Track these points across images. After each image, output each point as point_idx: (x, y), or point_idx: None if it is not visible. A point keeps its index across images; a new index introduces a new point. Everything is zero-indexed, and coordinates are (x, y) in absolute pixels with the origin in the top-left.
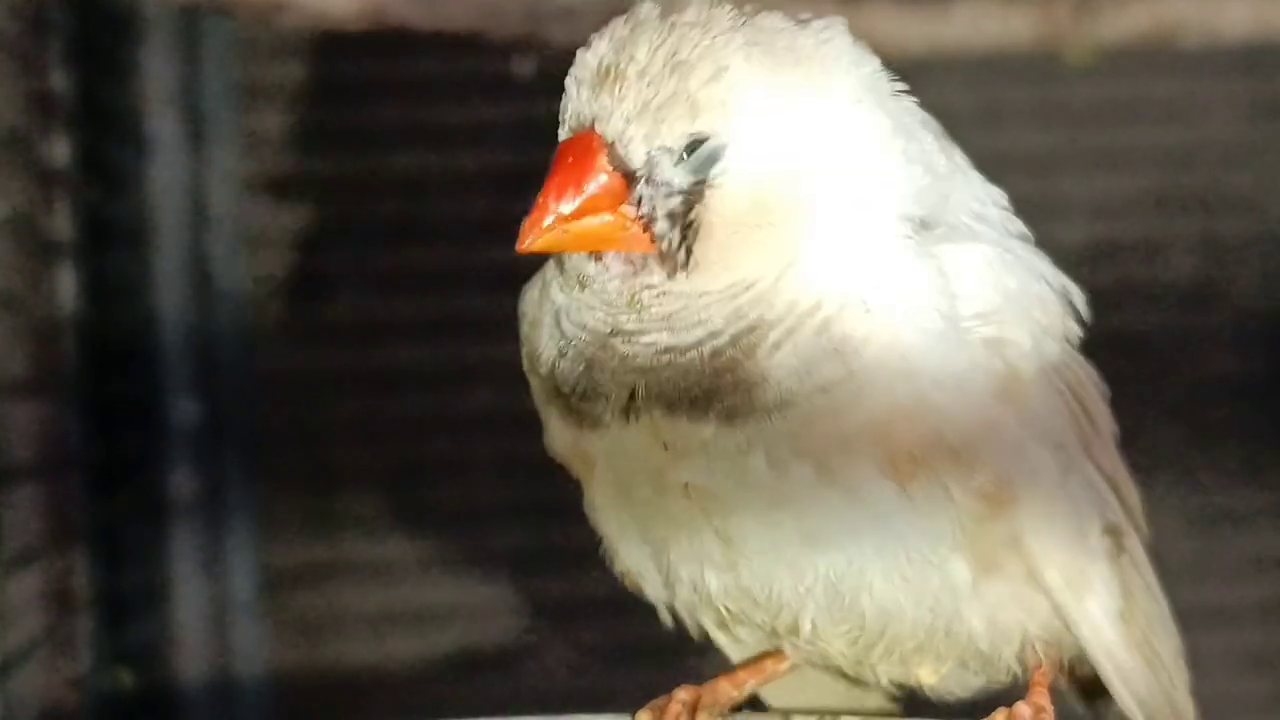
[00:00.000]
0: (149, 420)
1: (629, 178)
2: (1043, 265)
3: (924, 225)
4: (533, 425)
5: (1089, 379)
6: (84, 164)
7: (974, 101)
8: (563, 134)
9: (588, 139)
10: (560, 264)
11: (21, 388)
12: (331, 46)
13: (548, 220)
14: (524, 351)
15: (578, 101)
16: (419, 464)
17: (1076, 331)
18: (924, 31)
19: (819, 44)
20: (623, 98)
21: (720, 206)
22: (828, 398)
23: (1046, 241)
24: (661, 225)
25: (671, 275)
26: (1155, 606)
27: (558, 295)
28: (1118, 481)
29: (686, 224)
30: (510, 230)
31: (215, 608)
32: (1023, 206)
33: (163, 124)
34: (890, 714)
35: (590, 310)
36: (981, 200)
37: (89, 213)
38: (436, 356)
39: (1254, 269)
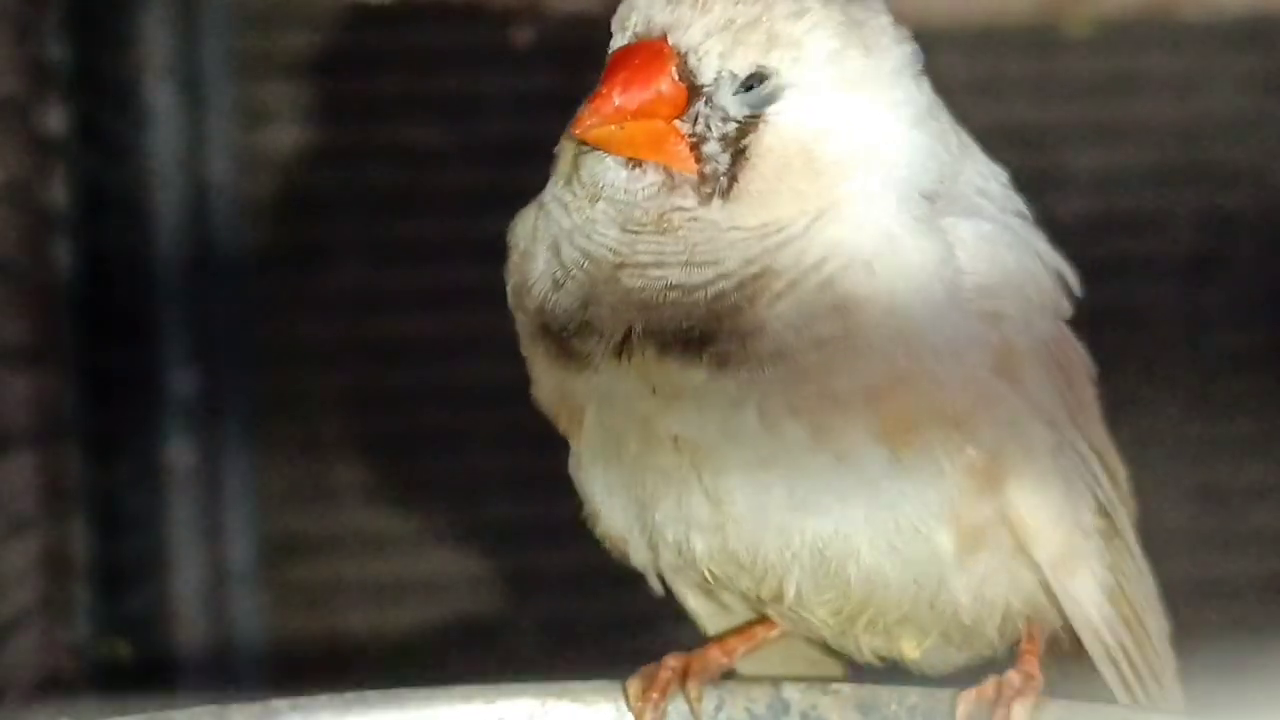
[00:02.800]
0: (147, 389)
1: (691, 93)
2: (1038, 243)
3: (932, 198)
4: (529, 396)
5: (1077, 355)
6: (81, 133)
7: (973, 73)
8: (621, 40)
9: (659, 45)
10: (575, 175)
11: (18, 356)
12: (330, 16)
13: (608, 110)
14: (510, 284)
15: (649, 8)
16: (416, 434)
17: (1068, 309)
18: (923, 2)
19: (869, 14)
20: (708, 10)
21: (774, 143)
22: (822, 354)
23: (1046, 214)
24: (712, 147)
25: (705, 202)
26: (1144, 586)
27: (560, 215)
28: (1105, 456)
29: (738, 151)
30: (509, 201)
31: (213, 577)
32: (1022, 179)
33: (161, 93)
34: (879, 684)
35: (600, 236)
36: (985, 176)
37: (86, 182)
38: (434, 327)
39: (1255, 242)
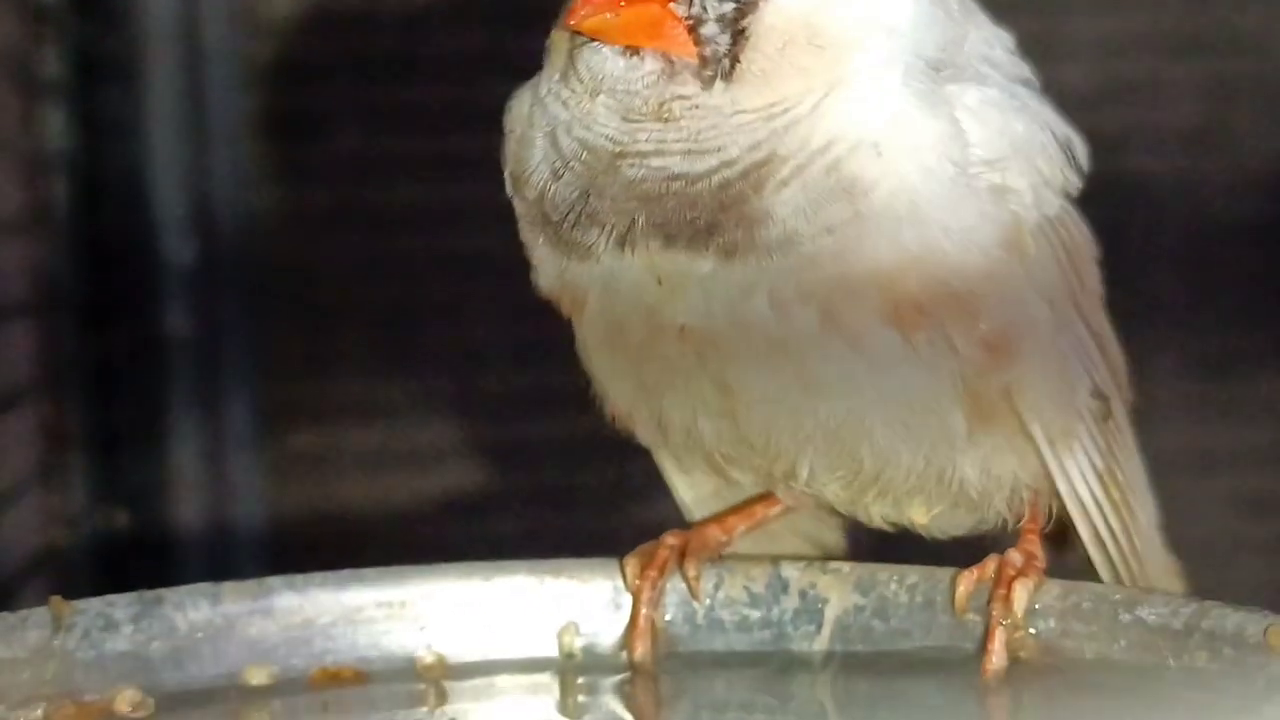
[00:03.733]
0: (143, 258)
1: None
2: (1048, 113)
3: (937, 68)
4: (529, 265)
5: (1082, 237)
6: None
7: None
8: None
9: None
10: (571, 69)
11: (12, 226)
12: None
13: None
14: (508, 170)
15: None
16: (415, 303)
17: (1076, 184)
18: None
19: None
20: None
21: (775, 19)
22: (833, 239)
23: (1050, 82)
24: (710, 29)
25: (707, 86)
26: (1136, 474)
27: (558, 110)
28: (1104, 343)
29: (738, 32)
30: (508, 67)
31: (211, 446)
32: (1027, 46)
33: None
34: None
35: (600, 126)
36: (989, 42)
37: (80, 48)
38: (433, 195)
39: (1259, 111)
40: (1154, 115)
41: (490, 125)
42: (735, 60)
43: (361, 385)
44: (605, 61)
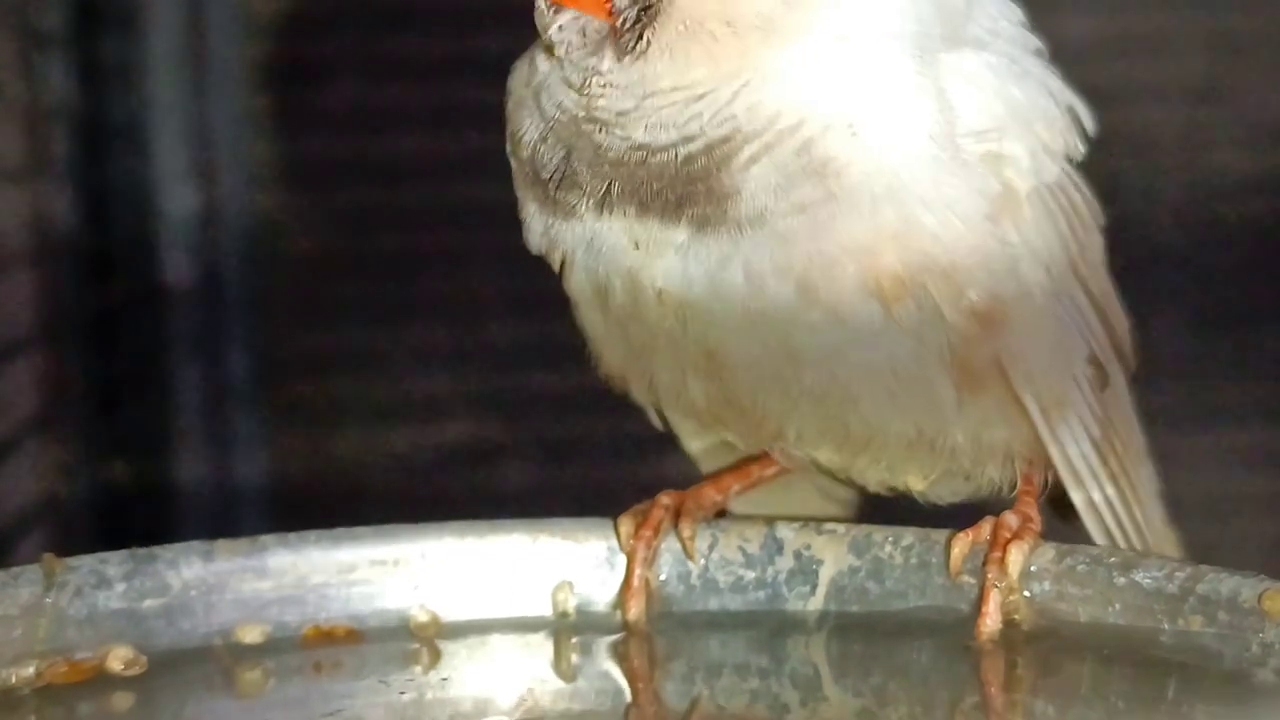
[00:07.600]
0: (144, 208)
1: None
2: (1051, 80)
3: (930, 39)
4: None
5: (1085, 205)
6: None
7: None
8: None
9: None
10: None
11: (13, 176)
12: None
13: None
14: (507, 131)
15: None
16: (416, 254)
17: (1080, 151)
18: None
19: None
20: None
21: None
22: (805, 218)
23: (1054, 36)
24: (622, 1)
25: (620, 59)
26: (1134, 441)
27: (542, 65)
28: (1106, 310)
29: (645, 6)
30: (509, 18)
31: (211, 397)
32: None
33: None
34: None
35: (566, 89)
36: (993, 16)
37: None
38: (434, 145)
39: (1264, 65)
40: (1157, 68)
41: (491, 76)
42: (640, 36)
43: (362, 336)
44: (542, 17)
